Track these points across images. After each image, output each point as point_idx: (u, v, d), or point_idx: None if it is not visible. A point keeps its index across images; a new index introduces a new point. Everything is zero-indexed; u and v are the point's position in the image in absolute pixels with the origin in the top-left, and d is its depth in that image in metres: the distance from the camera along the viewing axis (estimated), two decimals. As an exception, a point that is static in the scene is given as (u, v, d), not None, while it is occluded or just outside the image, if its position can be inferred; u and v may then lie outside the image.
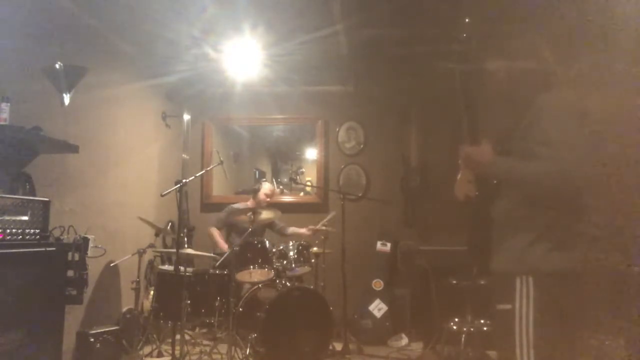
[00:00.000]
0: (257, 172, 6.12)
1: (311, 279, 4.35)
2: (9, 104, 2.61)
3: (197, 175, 4.02)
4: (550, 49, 1.77)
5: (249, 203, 4.76)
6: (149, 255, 4.31)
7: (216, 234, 4.61)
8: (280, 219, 4.57)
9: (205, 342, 4.05)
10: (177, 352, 3.41)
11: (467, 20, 1.87)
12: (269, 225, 4.67)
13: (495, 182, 1.80)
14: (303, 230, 4.63)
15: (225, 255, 4.04)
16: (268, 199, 4.70)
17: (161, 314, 3.71)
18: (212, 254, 4.20)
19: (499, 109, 1.86)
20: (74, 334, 3.37)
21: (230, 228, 4.70)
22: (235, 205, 4.75)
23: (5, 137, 2.63)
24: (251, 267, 3.89)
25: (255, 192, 4.76)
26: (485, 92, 1.88)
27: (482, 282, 3.59)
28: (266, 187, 4.77)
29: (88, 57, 3.53)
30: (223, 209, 4.80)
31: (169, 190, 3.60)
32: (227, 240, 4.65)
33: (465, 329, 3.69)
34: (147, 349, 3.96)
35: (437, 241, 4.45)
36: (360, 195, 5.21)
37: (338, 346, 4.15)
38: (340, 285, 4.28)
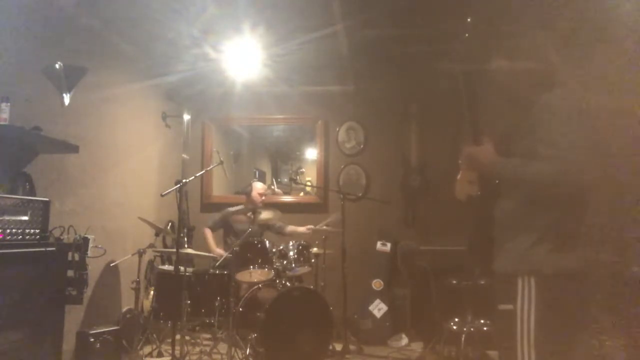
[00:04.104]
0: (257, 172, 6.13)
1: (311, 279, 4.35)
2: (9, 104, 2.60)
3: (197, 175, 4.01)
4: (552, 49, 1.77)
5: (242, 205, 4.73)
6: (149, 255, 4.30)
7: (209, 236, 4.60)
8: (280, 219, 4.54)
9: (205, 342, 4.05)
10: (177, 352, 3.42)
11: (468, 19, 1.86)
12: (268, 226, 4.63)
13: (497, 182, 1.80)
14: (302, 229, 4.55)
15: (225, 255, 4.04)
16: (263, 197, 4.66)
17: (161, 314, 3.71)
18: (212, 254, 4.20)
19: (502, 109, 1.86)
20: (74, 334, 3.37)
21: (227, 231, 4.68)
22: (232, 209, 4.73)
23: (5, 137, 2.63)
24: (251, 267, 3.88)
25: (248, 192, 4.70)
26: (488, 91, 1.88)
27: (482, 282, 3.60)
28: (259, 186, 4.71)
29: (88, 57, 3.53)
30: (223, 209, 4.79)
31: (169, 190, 3.60)
32: (225, 242, 4.63)
33: (465, 329, 3.69)
34: (147, 349, 3.96)
35: (437, 241, 4.45)
36: (360, 195, 5.21)
37: (338, 346, 4.15)
38: (340, 285, 4.28)
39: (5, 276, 2.28)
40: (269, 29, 4.03)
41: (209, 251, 4.45)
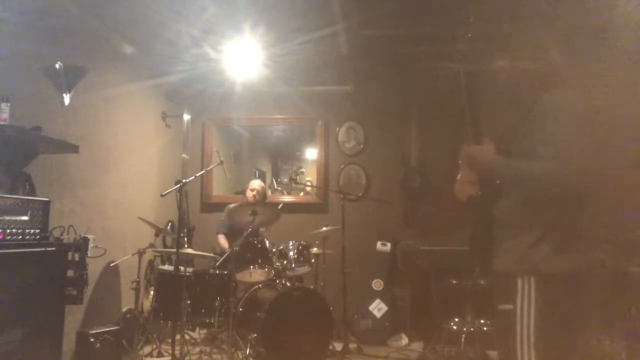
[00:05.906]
0: (257, 172, 6.12)
1: (311, 279, 4.35)
2: (9, 104, 2.61)
3: (197, 175, 4.01)
4: (552, 48, 1.76)
5: (241, 202, 4.73)
6: (149, 255, 4.30)
7: (223, 241, 4.61)
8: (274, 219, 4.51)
9: (205, 342, 4.05)
10: (177, 352, 3.41)
11: (470, 19, 1.86)
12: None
13: (497, 182, 1.80)
14: None
15: (225, 255, 4.03)
16: (256, 195, 4.64)
17: (161, 314, 3.71)
18: (212, 254, 4.20)
19: (502, 108, 1.86)
20: (74, 334, 3.37)
21: (230, 229, 4.68)
22: (231, 206, 4.73)
23: (5, 137, 2.63)
24: (251, 267, 3.88)
25: (244, 191, 4.77)
26: (488, 91, 1.88)
27: (482, 282, 3.60)
28: (253, 184, 4.73)
29: (88, 57, 3.53)
30: (223, 209, 4.79)
31: (169, 190, 3.60)
32: (231, 241, 4.62)
33: (465, 329, 3.69)
34: (147, 349, 3.96)
35: (437, 241, 4.44)
36: (360, 195, 5.21)
37: (338, 346, 4.15)
38: (340, 285, 4.28)
39: (5, 276, 2.28)
40: (269, 29, 4.03)
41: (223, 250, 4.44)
